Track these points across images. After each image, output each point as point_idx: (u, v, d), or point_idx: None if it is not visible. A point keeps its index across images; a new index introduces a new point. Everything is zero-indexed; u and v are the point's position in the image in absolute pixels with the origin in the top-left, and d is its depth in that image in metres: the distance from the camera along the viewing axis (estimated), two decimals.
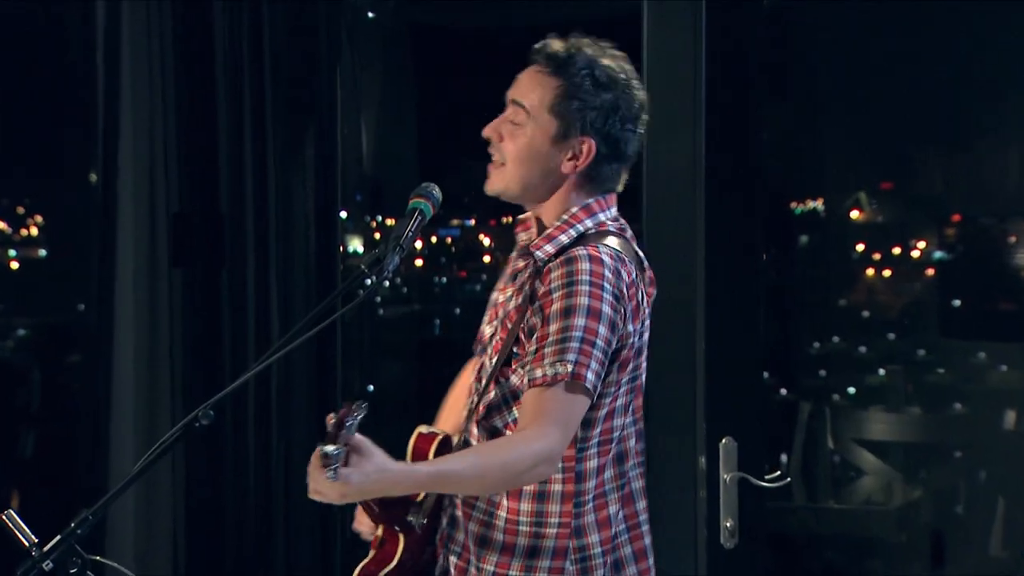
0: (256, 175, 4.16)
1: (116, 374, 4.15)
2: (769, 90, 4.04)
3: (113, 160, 4.15)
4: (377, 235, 4.66)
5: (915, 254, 4.38)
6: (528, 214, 2.69)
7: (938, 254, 4.33)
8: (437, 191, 2.54)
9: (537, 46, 2.60)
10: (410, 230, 2.48)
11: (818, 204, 4.43)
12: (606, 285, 2.45)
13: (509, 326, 2.56)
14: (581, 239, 2.55)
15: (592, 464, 2.54)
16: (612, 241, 2.55)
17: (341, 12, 4.31)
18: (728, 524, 3.52)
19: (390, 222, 4.57)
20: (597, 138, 2.55)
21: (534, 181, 2.57)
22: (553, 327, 2.44)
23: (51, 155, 4.51)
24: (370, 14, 4.59)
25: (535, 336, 2.48)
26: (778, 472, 3.58)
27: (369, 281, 2.49)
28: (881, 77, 4.21)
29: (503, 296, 2.65)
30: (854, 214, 4.42)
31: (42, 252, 4.80)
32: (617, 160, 2.59)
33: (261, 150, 4.15)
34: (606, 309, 2.44)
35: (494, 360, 2.58)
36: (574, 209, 2.58)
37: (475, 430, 2.60)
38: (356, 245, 4.55)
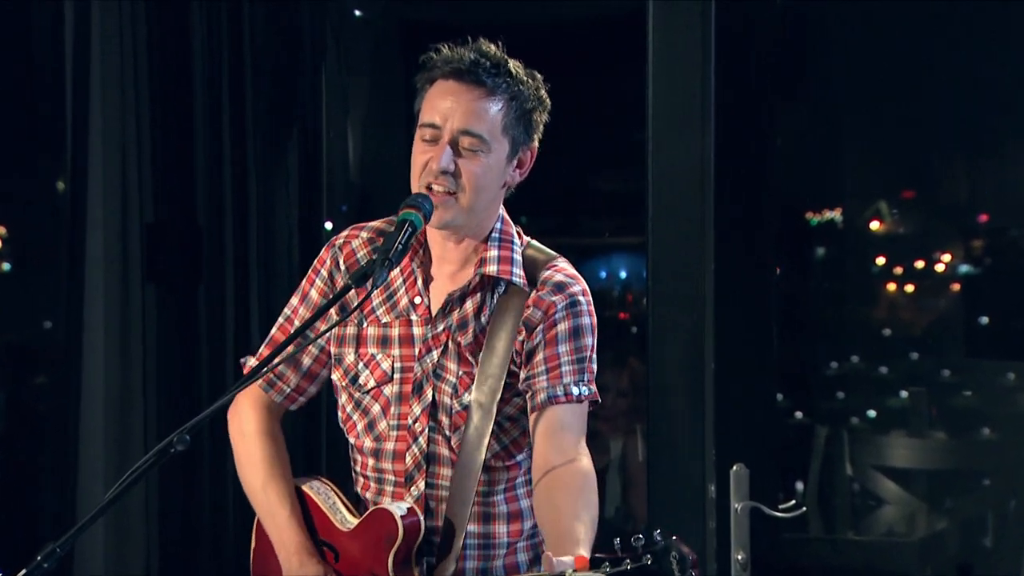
0: (235, 184, 4.18)
1: (85, 396, 4.15)
2: (783, 92, 4.06)
3: (82, 167, 4.16)
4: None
5: (939, 268, 4.39)
6: (378, 225, 2.76)
7: (964, 268, 4.35)
8: (429, 202, 2.56)
9: (455, 63, 2.62)
10: (400, 243, 2.49)
11: (835, 214, 4.45)
12: (591, 299, 2.69)
13: (471, 358, 2.65)
14: (529, 256, 2.69)
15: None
16: (543, 247, 2.74)
17: (326, 10, 4.33)
18: (739, 557, 3.53)
19: None
20: (536, 141, 2.69)
21: (485, 204, 2.64)
22: (564, 347, 2.64)
23: (16, 161, 4.51)
24: (357, 12, 4.61)
25: (542, 356, 2.63)
26: (793, 501, 3.58)
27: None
28: (902, 78, 4.23)
29: (423, 329, 2.68)
30: (874, 225, 4.44)
31: (6, 266, 4.80)
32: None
33: (241, 157, 4.17)
34: (595, 320, 2.69)
35: (468, 395, 2.65)
36: (499, 224, 2.69)
37: (445, 471, 2.67)
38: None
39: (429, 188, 2.59)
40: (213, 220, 4.19)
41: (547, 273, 2.66)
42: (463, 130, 2.59)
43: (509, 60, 2.65)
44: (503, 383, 2.63)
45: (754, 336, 3.77)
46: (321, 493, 2.77)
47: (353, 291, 2.52)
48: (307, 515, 2.77)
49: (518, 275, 2.65)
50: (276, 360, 2.64)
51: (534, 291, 2.64)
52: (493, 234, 2.67)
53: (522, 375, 2.64)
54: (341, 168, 4.55)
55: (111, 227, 4.17)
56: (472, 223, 2.64)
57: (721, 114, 3.65)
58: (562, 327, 2.63)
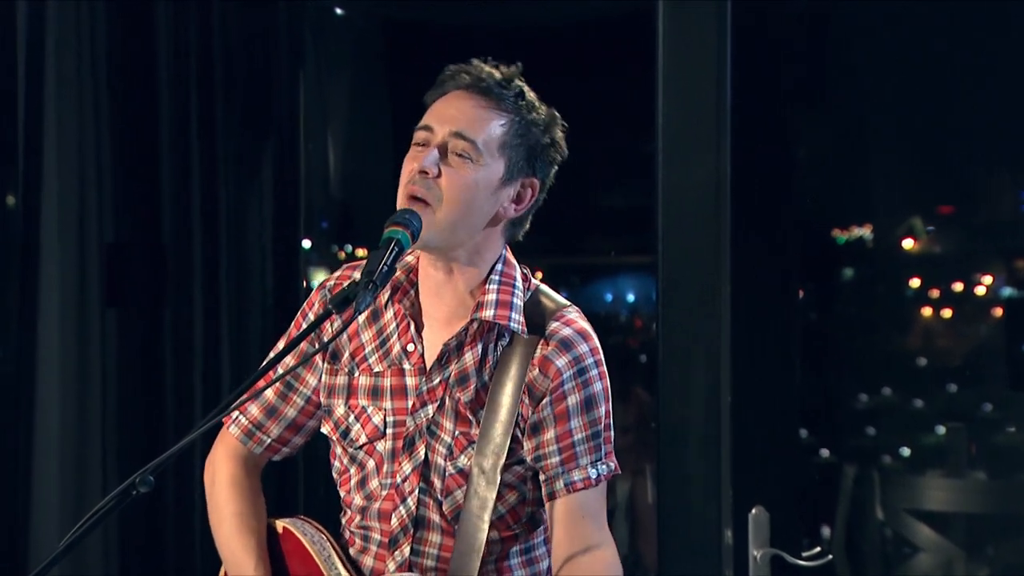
0: (204, 199, 4.20)
1: (38, 432, 4.17)
2: (805, 98, 4.09)
3: (36, 181, 4.18)
4: None
5: (980, 291, 4.41)
6: (353, 259, 2.79)
7: (1008, 291, 4.36)
8: (417, 218, 2.58)
9: (464, 71, 2.68)
10: (385, 263, 2.50)
11: (864, 231, 4.47)
12: (602, 357, 2.69)
13: (471, 416, 2.67)
14: (535, 303, 2.70)
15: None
16: (556, 295, 2.74)
17: (304, 10, 4.36)
18: None
19: (361, 253, 4.60)
20: (539, 180, 2.70)
21: (468, 226, 2.64)
22: (576, 423, 2.65)
23: None
24: (338, 11, 4.64)
25: (553, 433, 2.65)
26: (818, 548, 3.61)
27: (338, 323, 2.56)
28: (937, 82, 4.25)
29: (416, 379, 2.70)
30: (907, 243, 4.46)
31: None
32: (536, 206, 2.74)
33: (210, 169, 4.19)
34: (608, 383, 2.70)
35: (465, 457, 2.67)
36: (500, 266, 2.70)
37: (434, 537, 2.70)
38: (321, 280, 4.58)
39: (412, 198, 2.61)
40: (179, 239, 4.22)
41: (554, 325, 2.66)
42: (455, 132, 2.62)
43: (525, 84, 2.69)
44: (507, 449, 2.64)
45: (775, 366, 3.79)
46: (316, 542, 2.77)
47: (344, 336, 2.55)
48: (286, 557, 2.79)
49: (517, 321, 2.65)
50: (244, 397, 2.66)
51: (540, 347, 2.65)
52: (493, 275, 2.67)
53: (528, 447, 2.66)
54: (320, 181, 4.57)
55: (67, 246, 4.19)
56: (454, 247, 2.65)
57: (738, 123, 3.67)
58: (572, 400, 2.64)
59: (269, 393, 2.81)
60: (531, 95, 2.69)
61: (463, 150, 2.62)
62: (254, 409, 2.83)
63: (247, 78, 4.25)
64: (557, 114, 2.72)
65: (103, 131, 4.20)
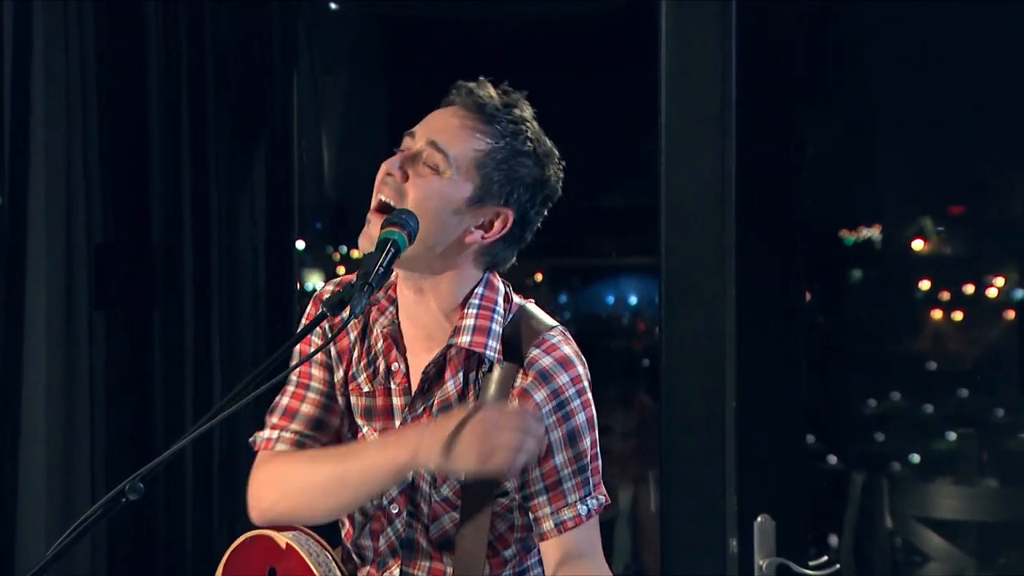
0: (195, 198, 4.20)
1: (25, 438, 4.17)
2: (812, 96, 4.09)
3: (23, 180, 4.18)
4: (341, 270, 4.71)
5: (992, 293, 4.42)
6: (344, 278, 2.80)
7: (1020, 293, 4.37)
8: (414, 219, 2.58)
9: (467, 88, 2.68)
10: (381, 265, 2.50)
11: (873, 232, 4.48)
12: (586, 384, 2.67)
13: None
14: (516, 327, 2.68)
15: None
16: (542, 315, 2.73)
17: (299, 5, 4.36)
18: None
19: (356, 254, 4.61)
20: (516, 214, 2.67)
21: (429, 243, 2.62)
22: (560, 458, 2.63)
23: None
24: (333, 6, 4.65)
25: (538, 472, 2.64)
26: (825, 557, 3.61)
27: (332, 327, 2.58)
28: (947, 79, 4.26)
29: (401, 400, 2.71)
30: (917, 244, 4.47)
31: None
32: (519, 242, 2.72)
33: (201, 169, 4.20)
34: (593, 411, 2.67)
35: (448, 488, 2.68)
36: (480, 289, 2.69)
37: (423, 561, 2.72)
38: (316, 282, 4.59)
39: (378, 210, 2.62)
40: (170, 239, 4.22)
41: (534, 353, 2.65)
42: (431, 141, 2.63)
43: (528, 115, 2.68)
44: (492, 481, 2.64)
45: (780, 370, 3.78)
46: (313, 553, 2.77)
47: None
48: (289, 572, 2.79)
49: (493, 348, 2.64)
50: (240, 402, 2.66)
51: (519, 377, 2.64)
52: (472, 299, 2.67)
53: (513, 484, 2.66)
54: (314, 180, 4.58)
55: (55, 247, 4.19)
56: (419, 259, 2.62)
57: (742, 121, 3.68)
58: (555, 436, 2.62)
59: (309, 408, 2.79)
60: (532, 127, 2.67)
61: (433, 160, 2.61)
62: (296, 425, 2.79)
63: (239, 75, 4.25)
64: (556, 153, 2.70)
65: (91, 130, 4.21)
